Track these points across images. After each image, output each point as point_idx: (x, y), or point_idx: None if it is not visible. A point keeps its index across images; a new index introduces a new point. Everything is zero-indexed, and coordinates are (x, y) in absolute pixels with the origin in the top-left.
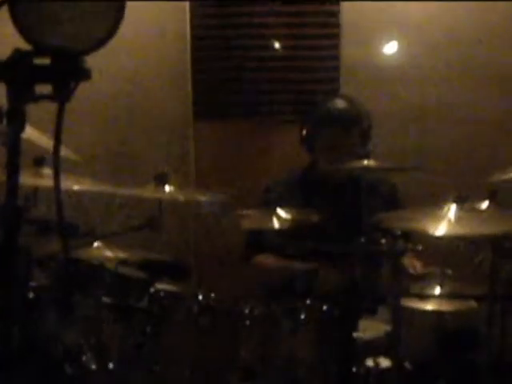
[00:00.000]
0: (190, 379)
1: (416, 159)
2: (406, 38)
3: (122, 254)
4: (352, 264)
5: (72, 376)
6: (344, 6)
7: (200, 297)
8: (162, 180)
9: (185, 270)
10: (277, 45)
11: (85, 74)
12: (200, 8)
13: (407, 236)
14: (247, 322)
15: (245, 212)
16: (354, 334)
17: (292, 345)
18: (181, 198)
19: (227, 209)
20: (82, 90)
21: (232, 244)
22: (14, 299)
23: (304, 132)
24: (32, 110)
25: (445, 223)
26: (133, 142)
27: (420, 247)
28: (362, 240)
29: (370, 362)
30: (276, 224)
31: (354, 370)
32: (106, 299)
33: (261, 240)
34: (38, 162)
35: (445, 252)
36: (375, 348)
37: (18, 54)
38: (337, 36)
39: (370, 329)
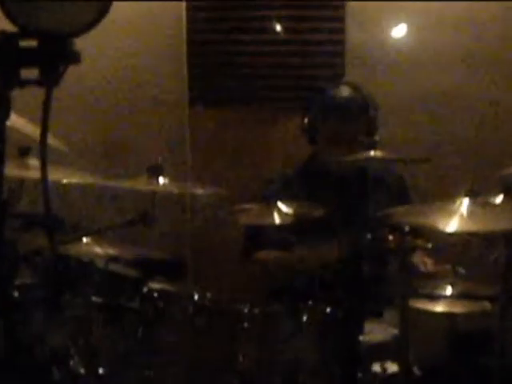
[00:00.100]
0: None
1: (425, 150)
2: (416, 21)
3: (112, 251)
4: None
5: (59, 381)
6: None
7: (196, 296)
8: (155, 171)
9: (180, 267)
10: (277, 27)
11: (74, 58)
12: None
13: (416, 232)
14: (245, 324)
15: (243, 206)
16: (360, 337)
17: (293, 348)
18: (175, 190)
19: (225, 202)
20: (72, 74)
21: (230, 240)
22: None
23: (306, 121)
24: (17, 95)
25: (456, 218)
26: (125, 130)
27: (430, 244)
28: (368, 236)
29: (376, 367)
30: (277, 219)
31: (359, 375)
32: (95, 299)
33: (261, 236)
34: (24, 152)
35: (456, 249)
36: (382, 352)
37: (2, 37)
38: (341, 18)
39: (376, 331)
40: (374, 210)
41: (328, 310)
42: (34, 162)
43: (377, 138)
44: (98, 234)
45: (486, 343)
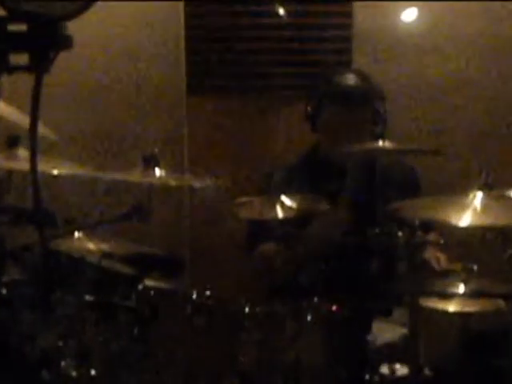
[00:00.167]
0: None
1: (437, 140)
2: (426, 6)
3: (106, 246)
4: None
5: (49, 383)
6: None
7: (194, 295)
8: (151, 163)
9: (177, 264)
10: (280, 10)
11: (65, 42)
12: None
13: (427, 227)
14: (246, 323)
15: (245, 199)
16: (367, 338)
17: (296, 349)
18: (172, 182)
19: (225, 196)
20: (64, 61)
21: (230, 235)
22: None
23: (309, 109)
24: (6, 82)
25: (469, 212)
26: (119, 120)
27: (441, 240)
28: (376, 231)
29: (384, 369)
30: (280, 213)
31: (366, 377)
32: (87, 297)
33: (263, 231)
34: (13, 142)
35: (469, 245)
36: (391, 353)
37: None
38: (349, 2)
39: (384, 331)
40: (383, 204)
41: (333, 308)
42: (23, 152)
43: (383, 128)
44: (90, 229)
45: (500, 343)
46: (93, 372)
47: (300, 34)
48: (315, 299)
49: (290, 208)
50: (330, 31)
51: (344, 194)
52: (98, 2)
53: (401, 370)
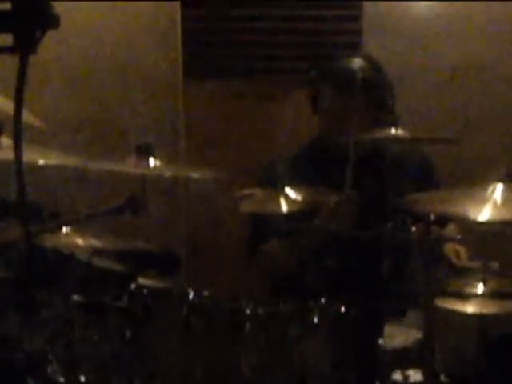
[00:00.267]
0: None
1: (453, 128)
2: None
3: (96, 242)
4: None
5: None
6: None
7: (191, 294)
8: (145, 152)
9: (173, 261)
10: None
11: (52, 22)
12: None
13: (443, 222)
14: (248, 326)
15: (246, 192)
16: (378, 341)
17: (302, 353)
18: (168, 173)
19: (224, 188)
20: (53, 44)
21: (231, 230)
22: None
23: (310, 91)
24: None
25: (489, 206)
26: (111, 107)
27: (459, 235)
28: (389, 226)
29: (397, 376)
30: (284, 206)
31: None
32: (76, 297)
33: (267, 226)
34: None
35: (489, 241)
36: (404, 358)
37: None
38: None
39: (397, 335)
40: (395, 197)
41: (342, 309)
42: (6, 140)
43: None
44: (79, 223)
45: None
46: (82, 378)
47: (306, 13)
48: (322, 299)
49: (294, 201)
50: (339, 11)
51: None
52: None
53: (414, 376)
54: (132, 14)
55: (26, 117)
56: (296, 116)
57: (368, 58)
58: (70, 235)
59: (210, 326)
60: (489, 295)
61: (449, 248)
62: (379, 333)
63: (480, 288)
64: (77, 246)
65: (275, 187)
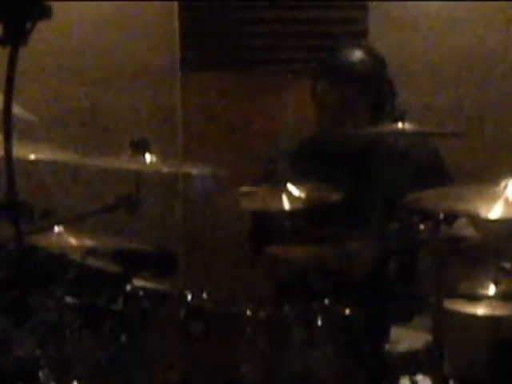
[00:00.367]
0: None
1: (461, 121)
2: None
3: (90, 242)
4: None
5: None
6: None
7: (189, 296)
8: (140, 147)
9: (170, 262)
10: None
11: (43, 12)
12: None
13: (452, 220)
14: (249, 329)
15: (246, 189)
16: (385, 345)
17: (305, 357)
18: (165, 169)
19: (223, 184)
20: (48, 37)
21: (230, 229)
22: None
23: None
24: None
25: (501, 203)
26: (105, 100)
27: (469, 234)
28: (395, 225)
29: (405, 381)
30: (286, 203)
31: None
32: (69, 299)
33: (269, 225)
34: None
35: (501, 240)
36: (411, 362)
37: None
38: None
39: (405, 338)
40: (402, 194)
41: (347, 311)
42: None
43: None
44: (72, 222)
45: None
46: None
47: (310, 2)
48: (326, 301)
49: (297, 198)
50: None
51: (355, 183)
52: None
53: (423, 381)
54: (129, 6)
55: (17, 110)
56: (298, 109)
57: (368, 50)
58: (63, 235)
59: (209, 330)
60: (500, 297)
61: (460, 223)
62: (386, 336)
63: (491, 289)
64: (70, 246)
65: (276, 183)
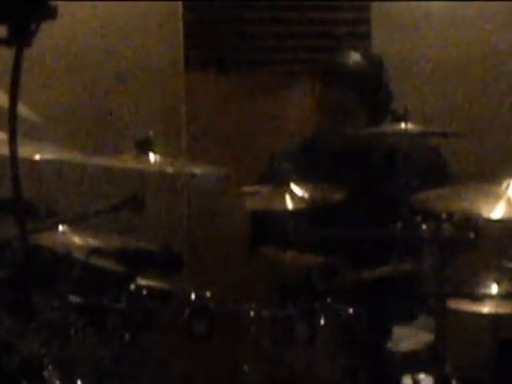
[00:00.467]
0: None
1: (463, 122)
2: None
3: (94, 241)
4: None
5: None
6: None
7: (193, 296)
8: (145, 146)
9: (174, 261)
10: None
11: (48, 13)
12: None
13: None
14: (252, 329)
15: (250, 188)
16: (388, 345)
17: (308, 357)
18: (169, 169)
19: (228, 184)
20: (52, 36)
21: (234, 229)
22: None
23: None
24: None
25: (503, 203)
26: (110, 100)
27: (472, 234)
28: (398, 226)
29: (407, 380)
30: (289, 203)
31: None
32: (73, 298)
33: (271, 225)
34: None
35: (503, 240)
36: (414, 362)
37: None
38: None
39: (407, 338)
40: (405, 194)
41: (350, 311)
42: (1, 135)
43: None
44: (76, 221)
45: None
46: (78, 382)
47: (313, 3)
48: (329, 300)
49: (300, 198)
50: (347, 0)
51: (359, 183)
52: None
53: (425, 380)
54: (133, 7)
55: (22, 110)
56: (300, 108)
57: (367, 54)
58: (67, 234)
59: (213, 329)
60: (503, 296)
61: None
62: (388, 335)
63: (494, 288)
64: (74, 245)
65: (279, 183)
